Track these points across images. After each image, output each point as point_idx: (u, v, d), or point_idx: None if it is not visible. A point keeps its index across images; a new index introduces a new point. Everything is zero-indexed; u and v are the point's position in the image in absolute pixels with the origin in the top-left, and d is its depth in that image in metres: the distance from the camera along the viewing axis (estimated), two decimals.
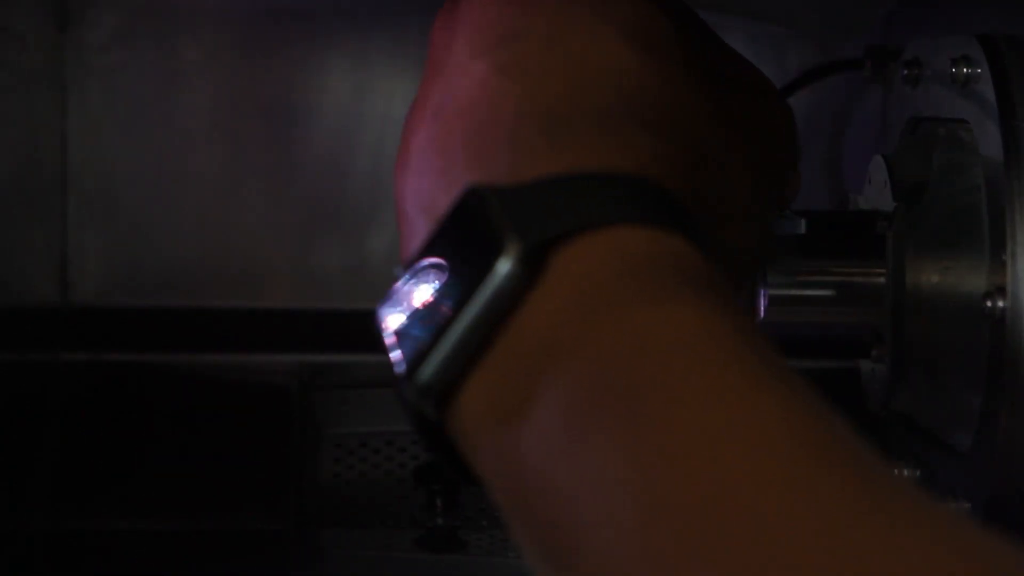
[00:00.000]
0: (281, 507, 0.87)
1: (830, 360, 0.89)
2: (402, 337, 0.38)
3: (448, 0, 0.46)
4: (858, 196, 0.69)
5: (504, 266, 0.36)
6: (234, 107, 0.94)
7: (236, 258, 0.94)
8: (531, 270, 0.36)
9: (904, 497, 0.31)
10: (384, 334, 0.39)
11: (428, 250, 0.39)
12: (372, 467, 0.91)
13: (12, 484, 0.83)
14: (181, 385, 0.93)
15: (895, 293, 0.64)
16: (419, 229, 0.41)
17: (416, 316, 0.38)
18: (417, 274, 0.39)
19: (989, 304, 0.59)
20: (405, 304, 0.39)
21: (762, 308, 0.64)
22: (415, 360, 0.37)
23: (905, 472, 0.67)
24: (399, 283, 0.39)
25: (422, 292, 0.39)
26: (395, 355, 0.38)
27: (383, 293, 0.40)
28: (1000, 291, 0.59)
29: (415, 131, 0.43)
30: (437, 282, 0.38)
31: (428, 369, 0.37)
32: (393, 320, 0.39)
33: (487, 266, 0.36)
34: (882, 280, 0.64)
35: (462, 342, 0.36)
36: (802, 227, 0.63)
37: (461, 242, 0.38)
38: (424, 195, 0.41)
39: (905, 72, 0.68)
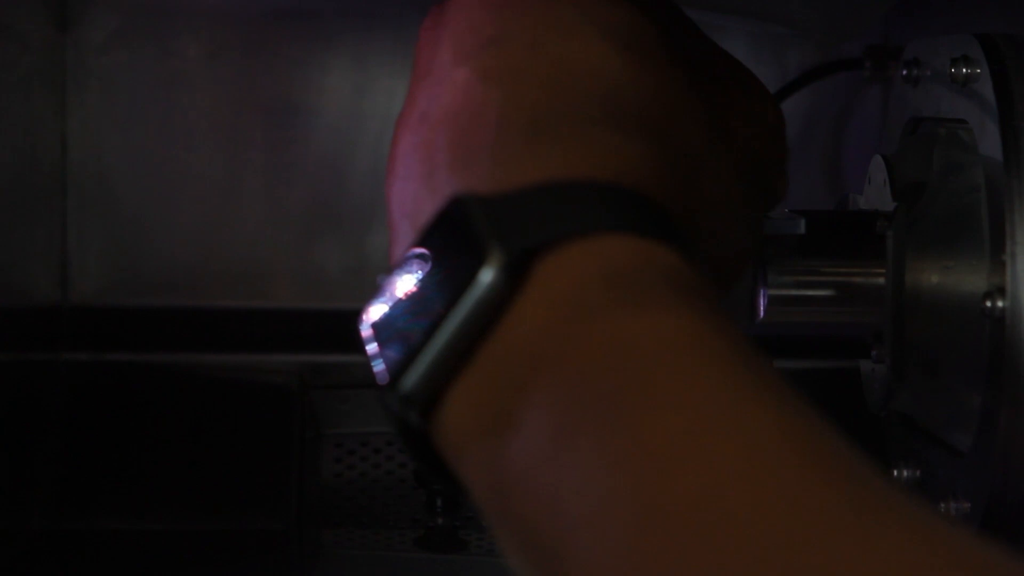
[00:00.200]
0: (281, 507, 0.87)
1: (830, 360, 0.89)
2: (383, 344, 0.38)
3: (436, 4, 0.46)
4: (858, 196, 0.69)
5: (487, 275, 0.36)
6: (234, 107, 0.94)
7: (236, 258, 0.94)
8: (514, 279, 0.36)
9: (893, 501, 0.31)
10: (364, 341, 0.39)
11: (411, 258, 0.39)
12: (373, 467, 0.91)
13: (13, 484, 0.83)
14: (181, 385, 0.92)
15: (895, 293, 0.64)
16: (403, 236, 0.41)
17: (396, 323, 0.38)
18: (397, 276, 0.39)
19: (989, 304, 0.59)
20: (387, 300, 0.39)
21: (762, 308, 0.64)
22: (398, 369, 0.37)
23: (905, 472, 0.67)
24: (379, 290, 0.39)
25: (405, 284, 0.38)
26: (376, 363, 0.38)
27: (372, 295, 0.40)
28: (1000, 291, 0.59)
29: (401, 135, 0.43)
30: (417, 287, 0.38)
31: (411, 378, 0.37)
32: (373, 318, 0.39)
33: (470, 275, 0.36)
34: (882, 280, 0.64)
35: (445, 351, 0.36)
36: (802, 227, 0.63)
37: (443, 251, 0.38)
38: (408, 201, 0.41)
39: (905, 72, 0.68)
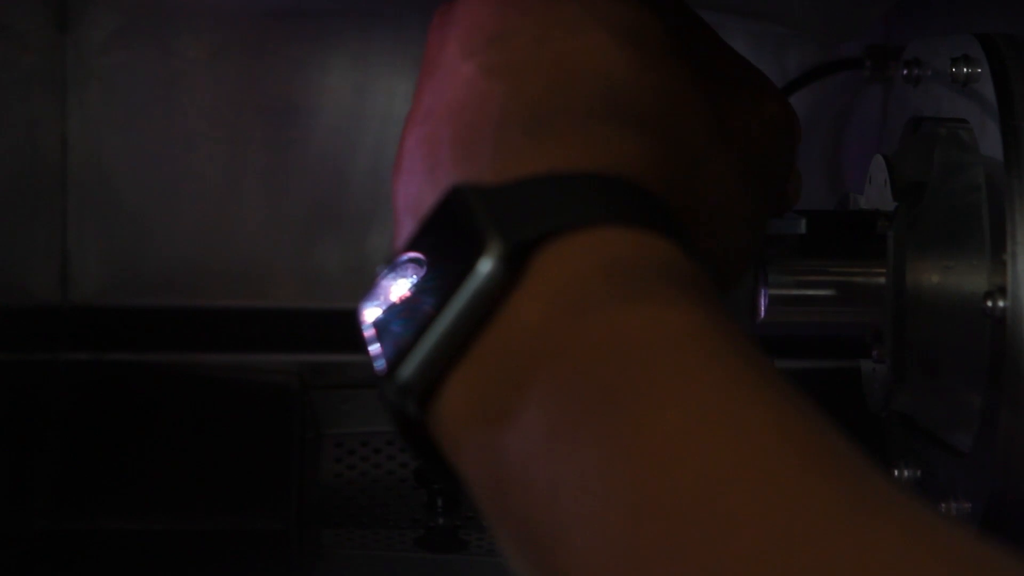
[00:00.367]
0: (282, 507, 0.87)
1: (830, 360, 0.89)
2: (381, 333, 0.38)
3: (444, 2, 0.46)
4: (859, 196, 0.69)
5: (485, 265, 0.36)
6: (234, 107, 0.94)
7: (236, 257, 0.94)
8: (513, 270, 0.36)
9: (892, 499, 0.31)
10: (363, 328, 0.39)
11: (411, 247, 0.39)
12: (373, 467, 0.91)
13: (13, 484, 0.83)
14: (182, 385, 0.92)
15: (896, 293, 0.64)
16: (405, 228, 0.41)
17: (393, 311, 0.38)
18: (396, 269, 0.39)
19: (989, 304, 0.59)
20: (383, 298, 0.39)
21: (763, 308, 0.64)
22: (396, 358, 0.37)
23: (905, 472, 0.67)
24: (379, 278, 0.39)
25: (400, 287, 0.39)
26: (375, 352, 0.38)
27: (372, 283, 0.40)
28: (1000, 291, 0.59)
29: (408, 131, 0.43)
30: (415, 276, 0.38)
31: (409, 367, 0.37)
32: (371, 314, 0.39)
33: (469, 265, 0.36)
34: (882, 280, 0.64)
35: (443, 341, 0.36)
36: (802, 227, 0.63)
37: (443, 241, 0.38)
38: (411, 194, 0.41)
39: (905, 72, 0.68)
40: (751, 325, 0.64)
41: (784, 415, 0.33)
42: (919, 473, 0.67)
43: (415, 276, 0.38)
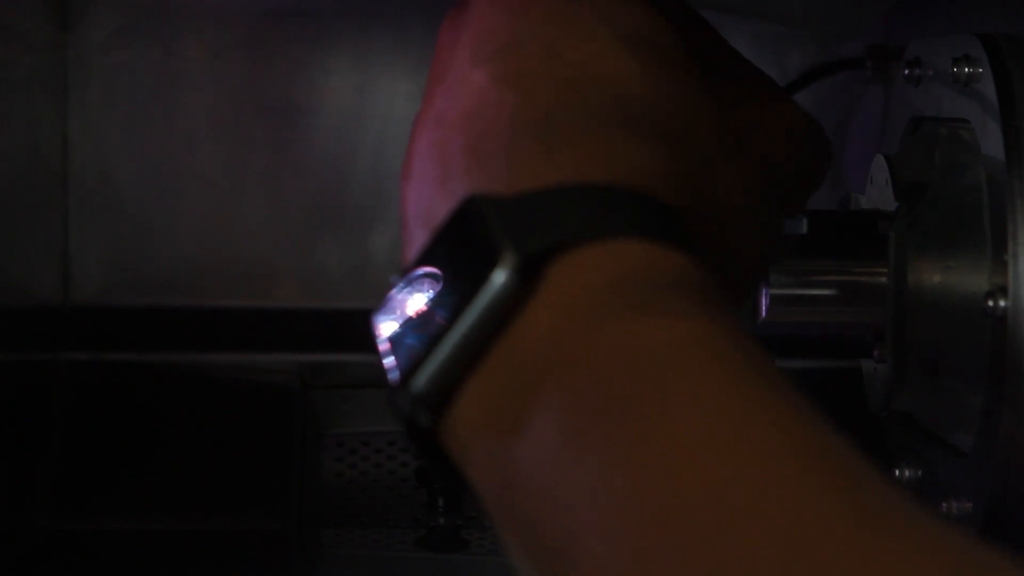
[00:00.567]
0: (282, 507, 0.87)
1: (831, 360, 0.89)
2: (396, 345, 0.38)
3: (454, 5, 0.46)
4: (860, 196, 0.70)
5: (500, 276, 0.36)
6: (235, 107, 0.94)
7: (237, 257, 0.94)
8: (527, 281, 0.36)
9: (901, 511, 0.31)
10: (378, 341, 0.39)
11: (425, 259, 0.39)
12: (374, 467, 0.92)
13: (14, 484, 0.83)
14: (182, 385, 0.93)
15: (897, 293, 0.64)
16: (416, 237, 0.41)
17: (410, 324, 0.38)
18: (412, 282, 0.39)
19: (991, 304, 0.59)
20: (399, 312, 0.39)
21: (764, 308, 0.64)
22: (409, 368, 0.37)
23: (906, 472, 0.67)
24: (394, 291, 0.39)
25: (416, 301, 0.38)
26: (388, 363, 0.38)
27: (385, 292, 0.40)
28: (1002, 291, 0.59)
29: (418, 136, 0.43)
30: (432, 291, 0.38)
31: (422, 377, 0.37)
32: (387, 328, 0.39)
33: (483, 276, 0.36)
34: (884, 280, 0.64)
35: (457, 351, 0.36)
36: (804, 227, 0.63)
37: (458, 251, 0.38)
38: (422, 203, 0.41)
39: (906, 72, 0.68)
40: (752, 325, 0.64)
41: (794, 427, 0.33)
42: (919, 473, 0.67)
43: (429, 287, 0.38)
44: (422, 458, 0.38)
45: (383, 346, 0.39)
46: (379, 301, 0.40)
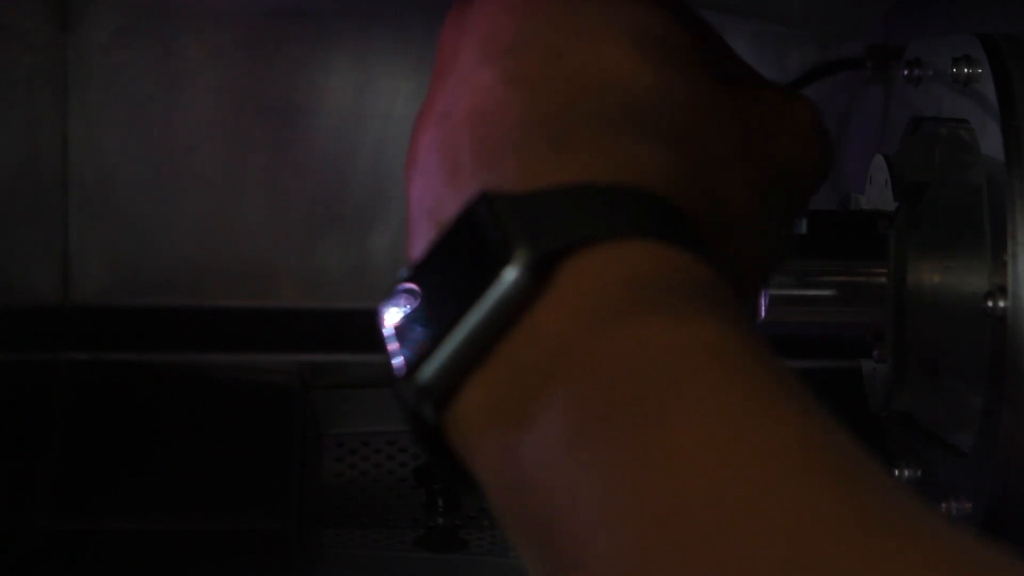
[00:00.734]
0: (282, 507, 0.87)
1: (830, 360, 0.89)
2: (402, 337, 0.38)
3: (457, 2, 0.46)
4: (859, 196, 0.70)
5: (511, 274, 0.36)
6: (235, 107, 0.94)
7: (237, 257, 0.94)
8: (538, 279, 0.36)
9: (913, 518, 0.31)
10: (383, 332, 0.39)
11: (435, 253, 0.39)
12: (374, 467, 0.92)
13: (14, 484, 0.83)
14: (182, 385, 0.93)
15: (896, 293, 0.64)
16: (423, 231, 0.41)
17: (416, 316, 0.38)
18: (418, 272, 0.39)
19: (990, 304, 0.59)
20: (404, 303, 0.39)
21: (763, 308, 0.64)
22: (416, 361, 0.37)
23: (906, 472, 0.67)
24: (401, 283, 0.39)
25: (422, 290, 0.39)
26: (394, 354, 0.38)
27: (385, 292, 0.40)
28: (1001, 291, 0.59)
29: (423, 131, 0.43)
30: (438, 280, 0.38)
31: (428, 370, 0.37)
32: (392, 317, 0.39)
33: (494, 272, 0.36)
34: (883, 280, 0.65)
35: (465, 346, 0.36)
36: (803, 227, 0.63)
37: (468, 247, 0.38)
38: (430, 198, 0.41)
39: (906, 72, 0.68)
40: (752, 325, 0.64)
41: (805, 428, 0.33)
42: (919, 473, 0.67)
43: (438, 280, 0.38)
44: (425, 452, 0.38)
45: (388, 334, 0.39)
46: (380, 299, 0.40)
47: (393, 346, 0.38)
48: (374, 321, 0.40)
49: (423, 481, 0.88)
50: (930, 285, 0.64)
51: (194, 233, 0.94)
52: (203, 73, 0.93)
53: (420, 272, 0.39)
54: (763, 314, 0.64)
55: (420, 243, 0.41)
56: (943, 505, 0.63)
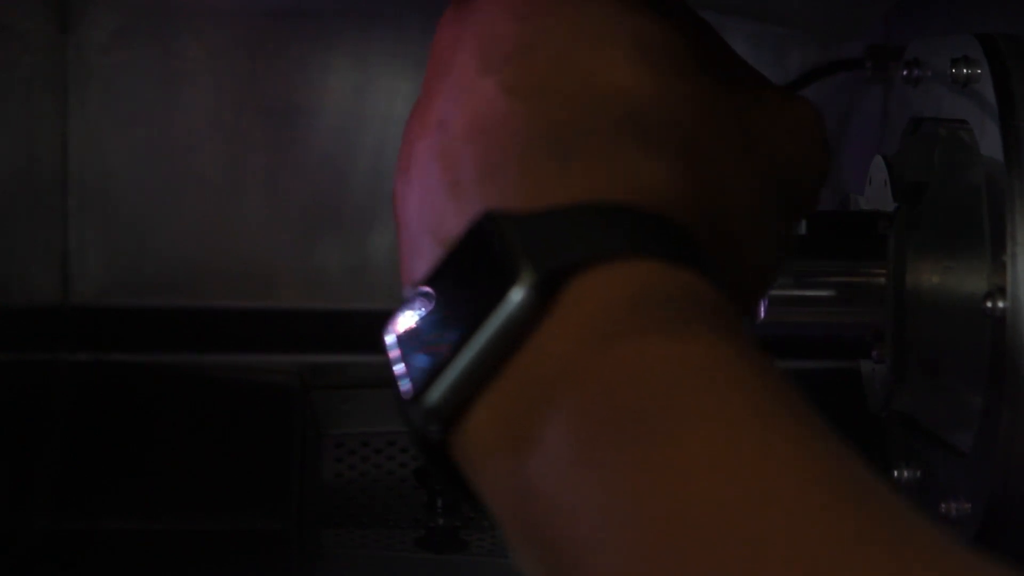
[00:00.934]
0: (282, 507, 0.87)
1: (830, 360, 0.89)
2: (408, 356, 0.38)
3: (454, 1, 0.45)
4: (859, 196, 0.70)
5: (518, 294, 0.36)
6: (235, 107, 0.94)
7: (237, 258, 0.94)
8: (544, 299, 0.36)
9: (916, 534, 0.31)
10: (389, 352, 0.39)
11: (439, 272, 0.39)
12: (373, 467, 0.92)
13: (14, 484, 0.83)
14: (182, 385, 0.93)
15: (896, 293, 0.64)
16: (425, 249, 0.41)
17: (421, 336, 0.38)
18: (424, 293, 0.39)
19: (990, 304, 0.59)
20: (410, 323, 0.39)
21: (763, 308, 0.64)
22: (423, 382, 0.37)
23: (906, 473, 0.67)
24: (406, 303, 0.39)
25: (427, 311, 0.38)
26: (400, 373, 0.38)
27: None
28: (1000, 291, 0.59)
29: (419, 138, 0.43)
30: (443, 301, 0.38)
31: (436, 392, 0.37)
32: (398, 338, 0.39)
33: (501, 293, 0.36)
34: (883, 280, 0.65)
35: (472, 367, 0.37)
36: (803, 227, 0.63)
37: (474, 267, 0.38)
38: (430, 212, 0.41)
39: (905, 72, 0.68)
40: (751, 326, 0.64)
41: (808, 446, 0.33)
42: (919, 473, 0.67)
43: (443, 301, 0.38)
44: (432, 471, 0.38)
45: (394, 355, 0.39)
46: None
47: (399, 367, 0.38)
48: (376, 326, 0.40)
49: (423, 481, 0.89)
50: (929, 285, 0.64)
51: (194, 233, 0.94)
52: (203, 73, 0.93)
53: (425, 290, 0.39)
54: (763, 314, 0.64)
55: (421, 258, 0.41)
56: (943, 505, 0.63)
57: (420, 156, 0.42)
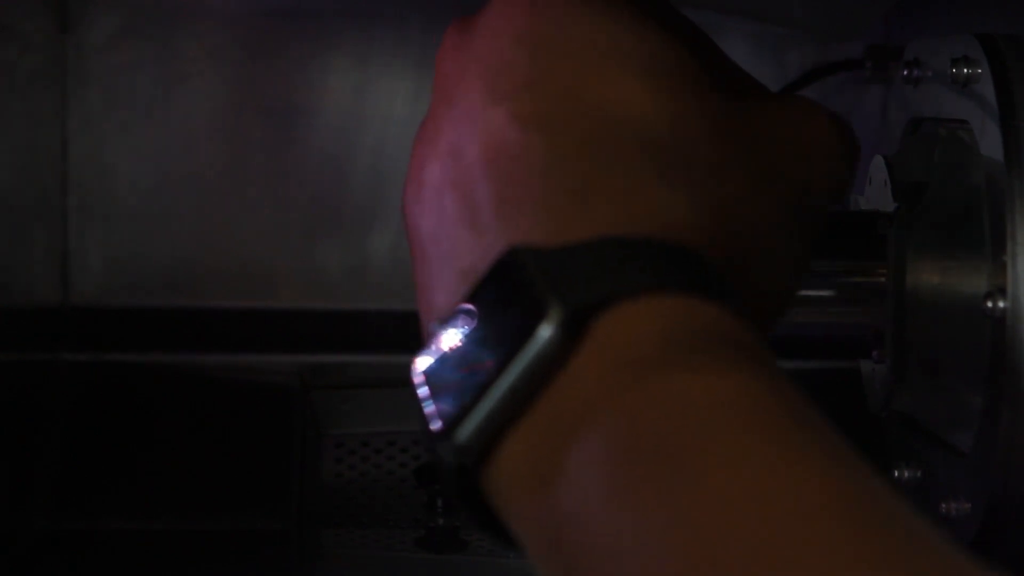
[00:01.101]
0: (282, 507, 0.87)
1: (830, 360, 0.89)
2: (437, 392, 0.38)
3: (459, 20, 0.45)
4: (859, 196, 0.70)
5: (546, 331, 0.36)
6: (235, 107, 0.94)
7: (237, 258, 0.95)
8: (573, 335, 0.36)
9: (945, 561, 0.31)
10: (416, 386, 0.39)
11: (466, 309, 0.39)
12: (373, 467, 0.92)
13: (13, 484, 0.83)
14: (182, 385, 0.93)
15: (896, 293, 0.64)
16: (444, 277, 0.41)
17: (450, 370, 0.38)
18: (451, 328, 0.39)
19: (990, 305, 0.59)
20: (438, 358, 0.39)
21: None
22: (453, 420, 0.37)
23: (906, 473, 0.67)
24: (433, 336, 0.39)
25: (454, 348, 0.39)
26: (430, 413, 0.38)
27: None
28: (1001, 292, 0.59)
29: (429, 164, 0.42)
30: (471, 339, 0.38)
31: (467, 429, 0.37)
32: (426, 372, 0.39)
33: (529, 330, 0.36)
34: (883, 280, 0.64)
35: (502, 404, 0.37)
36: None
37: (500, 303, 0.38)
38: (447, 243, 0.41)
39: (905, 72, 0.68)
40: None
41: (840, 477, 0.33)
42: (919, 474, 0.67)
43: (470, 337, 0.38)
44: (461, 505, 0.38)
45: (423, 393, 0.39)
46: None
47: (428, 404, 0.38)
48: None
49: (423, 481, 0.88)
50: (930, 285, 0.64)
51: (194, 233, 0.94)
52: (203, 73, 0.93)
53: (452, 327, 0.39)
54: None
55: (442, 290, 0.41)
56: (943, 506, 0.63)
57: (432, 182, 0.42)
